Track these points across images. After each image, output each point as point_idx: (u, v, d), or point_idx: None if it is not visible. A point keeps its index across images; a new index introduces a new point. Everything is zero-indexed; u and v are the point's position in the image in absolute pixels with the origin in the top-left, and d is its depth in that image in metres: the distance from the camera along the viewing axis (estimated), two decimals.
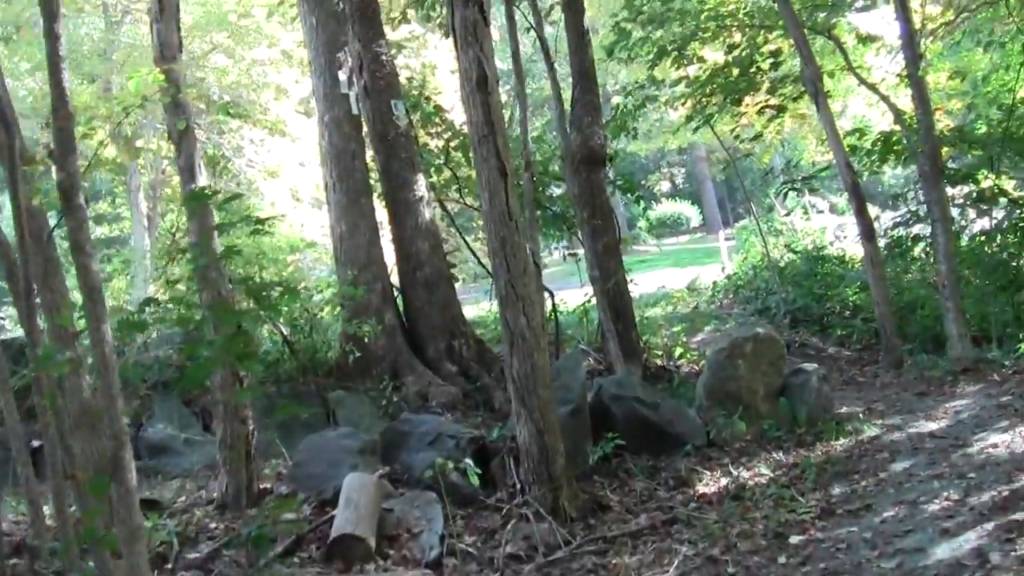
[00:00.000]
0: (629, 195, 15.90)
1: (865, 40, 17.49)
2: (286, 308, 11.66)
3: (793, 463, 8.94)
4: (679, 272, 29.70)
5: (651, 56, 17.21)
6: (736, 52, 17.01)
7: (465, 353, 12.96)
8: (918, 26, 14.89)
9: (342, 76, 12.82)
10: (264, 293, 7.18)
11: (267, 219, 7.01)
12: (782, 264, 20.37)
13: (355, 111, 12.87)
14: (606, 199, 13.81)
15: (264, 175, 29.19)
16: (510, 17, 12.93)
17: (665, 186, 71.86)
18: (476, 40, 7.93)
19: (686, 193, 69.47)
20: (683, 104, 18.41)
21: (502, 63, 29.45)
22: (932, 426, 9.77)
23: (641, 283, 27.00)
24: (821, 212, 39.91)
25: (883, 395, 12.00)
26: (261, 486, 8.57)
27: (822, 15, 16.15)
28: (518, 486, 8.16)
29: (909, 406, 11.02)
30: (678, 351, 14.85)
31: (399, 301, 13.32)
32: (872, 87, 16.24)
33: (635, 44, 17.10)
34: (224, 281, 7.98)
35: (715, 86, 17.33)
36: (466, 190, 15.05)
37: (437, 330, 12.95)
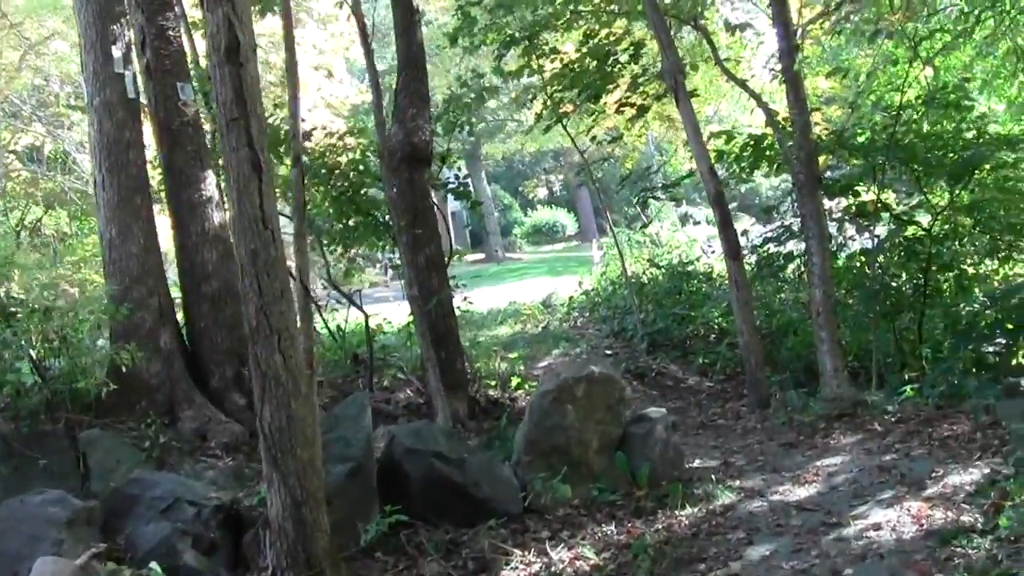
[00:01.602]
0: (464, 201, 13.88)
1: (733, 29, 15.65)
2: (34, 327, 9.69)
3: (625, 543, 7.08)
4: (551, 281, 28.12)
5: (497, 46, 15.23)
6: (592, 42, 15.05)
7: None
8: (795, 18, 13.13)
9: (116, 53, 10.56)
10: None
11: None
12: (645, 280, 18.56)
13: (131, 94, 10.62)
14: (430, 205, 11.85)
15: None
16: None
17: (542, 192, 71.02)
18: None
19: (563, 200, 68.85)
20: (532, 100, 16.40)
21: None
22: (800, 493, 7.94)
23: (498, 295, 25.46)
24: (698, 223, 38.55)
25: (745, 444, 10.16)
26: None
27: (687, 2, 14.27)
28: (269, 570, 6.44)
29: (774, 462, 9.18)
30: (515, 381, 12.86)
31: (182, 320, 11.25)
32: (741, 83, 14.38)
33: (480, 31, 15.08)
34: None
35: (568, 80, 15.37)
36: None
37: (224, 355, 10.80)
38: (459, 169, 57.19)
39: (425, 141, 11.63)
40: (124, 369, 9.74)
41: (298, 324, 6.92)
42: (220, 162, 11.69)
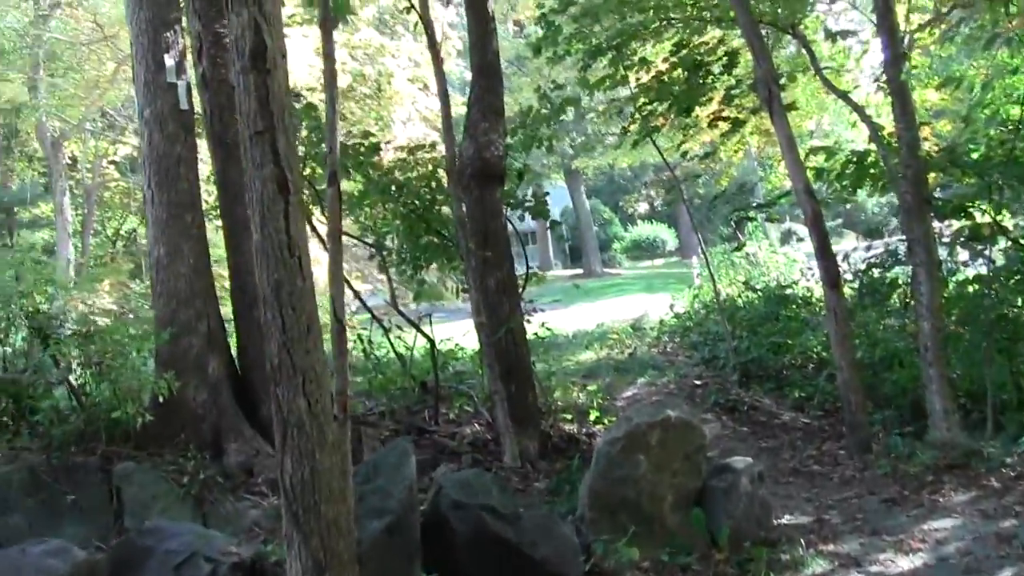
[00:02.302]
0: (541, 220, 12.99)
1: (835, 36, 14.55)
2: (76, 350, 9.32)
3: None
4: (647, 299, 27.20)
5: (583, 55, 14.34)
6: (683, 52, 14.07)
7: None
8: (902, 25, 12.05)
9: (168, 61, 9.94)
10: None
11: None
12: (740, 303, 17.50)
13: (183, 105, 10.01)
14: (502, 224, 11.03)
15: None
16: None
17: (643, 207, 70.26)
18: None
19: (664, 215, 68.05)
20: (619, 113, 15.44)
21: None
22: (903, 564, 6.99)
23: (591, 313, 24.54)
24: (801, 240, 37.09)
25: (842, 498, 9.10)
26: None
27: (783, 11, 13.22)
28: None
29: (875, 521, 8.15)
30: (594, 414, 11.94)
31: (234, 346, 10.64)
32: (843, 95, 13.28)
33: (564, 41, 14.21)
34: None
35: (657, 92, 14.39)
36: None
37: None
38: (552, 184, 56.60)
39: (498, 156, 10.82)
40: (167, 397, 9.12)
41: (331, 361, 6.14)
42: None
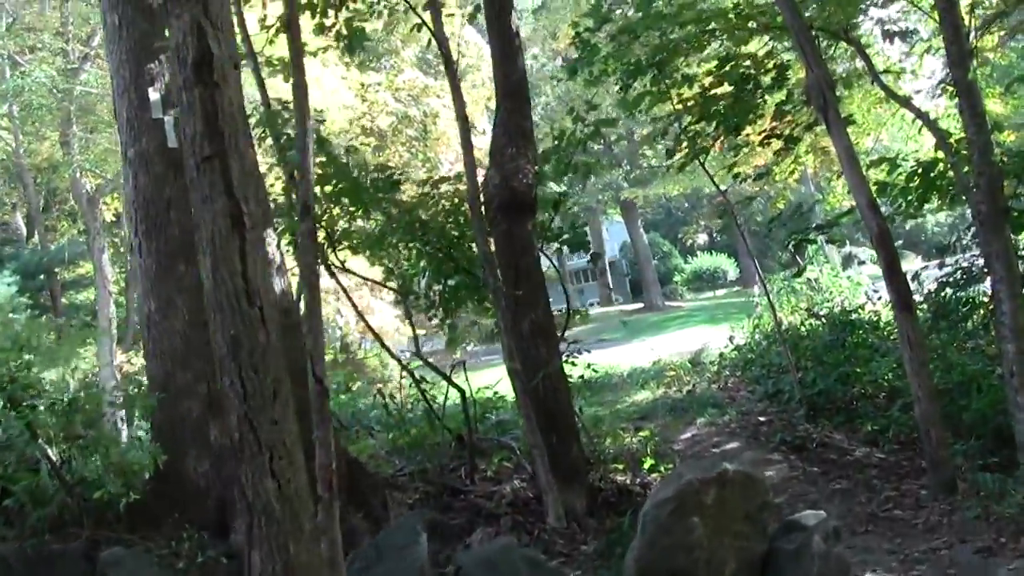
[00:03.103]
0: (582, 253, 12.04)
1: (893, 36, 13.47)
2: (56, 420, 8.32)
3: None
4: (708, 331, 26.22)
5: (622, 75, 13.40)
6: (729, 66, 13.06)
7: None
8: (966, 19, 11.02)
9: (154, 95, 9.11)
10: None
11: None
12: (803, 331, 16.41)
13: (172, 143, 9.10)
14: (534, 260, 10.07)
15: None
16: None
17: (702, 238, 69.54)
18: None
19: (723, 245, 67.37)
20: (663, 136, 14.39)
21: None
22: None
23: (651, 348, 23.50)
24: (863, 263, 35.78)
25: (929, 548, 8.05)
26: None
27: (834, 14, 12.23)
28: None
29: None
30: (648, 462, 10.92)
31: None
32: (904, 101, 12.26)
33: (600, 60, 13.30)
34: None
35: (702, 109, 13.37)
36: (346, 249, 11.26)
37: None
38: (609, 219, 55.94)
39: (527, 184, 9.91)
40: (160, 470, 8.26)
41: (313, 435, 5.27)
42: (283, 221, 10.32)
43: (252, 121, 10.87)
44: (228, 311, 4.54)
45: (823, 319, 16.33)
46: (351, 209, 10.84)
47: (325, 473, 5.22)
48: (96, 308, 26.89)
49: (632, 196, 52.28)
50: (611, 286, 67.69)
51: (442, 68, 35.83)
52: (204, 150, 4.60)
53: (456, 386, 10.72)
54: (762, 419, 13.60)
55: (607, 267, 67.80)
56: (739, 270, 60.88)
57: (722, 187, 15.33)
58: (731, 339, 18.46)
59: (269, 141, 10.56)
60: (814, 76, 10.01)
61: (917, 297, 12.63)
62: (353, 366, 22.81)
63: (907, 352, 9.63)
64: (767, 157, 15.51)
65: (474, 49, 38.76)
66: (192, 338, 8.98)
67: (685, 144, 13.80)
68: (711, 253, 64.89)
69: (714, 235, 69.39)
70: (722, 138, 13.91)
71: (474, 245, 11.07)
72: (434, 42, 10.14)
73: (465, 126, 9.86)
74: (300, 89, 5.90)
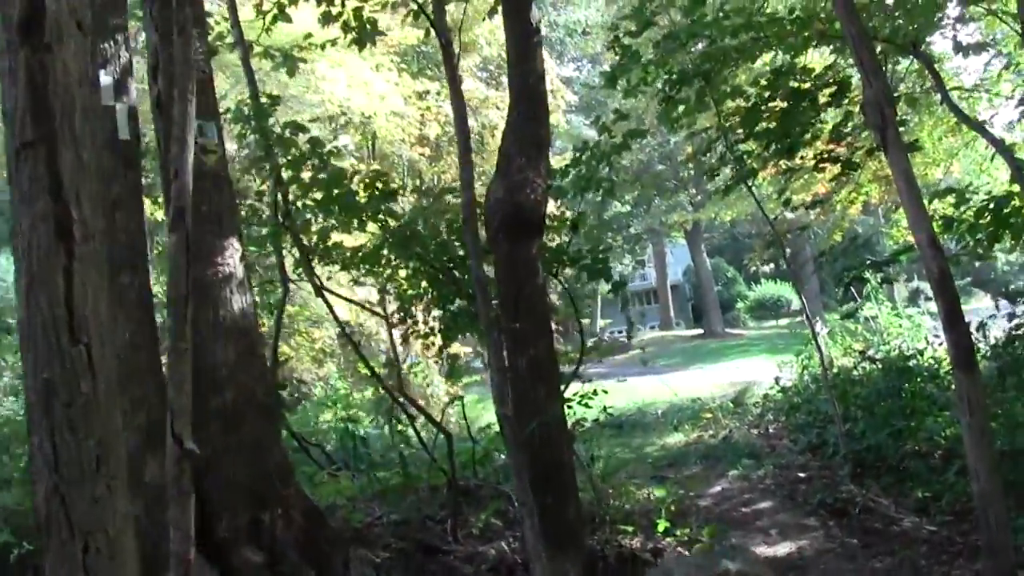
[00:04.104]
0: (604, 283, 10.68)
1: (967, 50, 11.99)
2: None
3: None
4: (765, 363, 24.50)
5: (664, 84, 12.09)
6: (782, 78, 11.69)
7: (282, 532, 7.91)
8: None
9: (105, 79, 7.94)
10: None
11: None
12: (856, 374, 14.89)
13: (123, 134, 7.95)
14: (540, 288, 8.74)
15: None
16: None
17: (768, 265, 68.24)
18: None
19: (788, 274, 66.11)
20: (705, 155, 13.00)
21: None
22: None
23: (703, 378, 22.15)
24: (929, 299, 33.96)
25: None
26: None
27: (905, 24, 10.87)
28: None
29: None
30: (662, 525, 9.56)
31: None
32: (978, 126, 10.82)
33: (644, 68, 12.02)
34: None
35: (747, 123, 11.99)
36: (327, 264, 9.99)
37: (238, 493, 7.90)
38: (673, 242, 55.02)
39: (535, 201, 8.61)
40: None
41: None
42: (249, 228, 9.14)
43: (230, 116, 9.80)
44: (43, 348, 3.39)
45: (878, 363, 14.78)
46: (342, 220, 9.60)
47: (180, 566, 3.98)
48: None
49: (682, 220, 51.16)
50: (672, 310, 66.78)
51: (503, 79, 35.05)
52: (25, 133, 3.44)
53: (442, 428, 9.40)
54: (802, 475, 12.24)
55: (668, 291, 66.78)
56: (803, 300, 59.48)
57: (773, 214, 13.91)
58: (777, 380, 17.01)
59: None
60: (872, 91, 8.59)
61: (982, 346, 11.24)
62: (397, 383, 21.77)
63: (965, 418, 8.14)
64: (826, 184, 14.08)
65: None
66: (133, 360, 7.82)
67: (731, 165, 12.45)
68: (775, 281, 63.32)
69: (779, 263, 68.07)
70: (772, 160, 12.53)
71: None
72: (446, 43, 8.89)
73: (464, 127, 8.56)
74: (183, 60, 4.69)
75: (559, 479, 8.43)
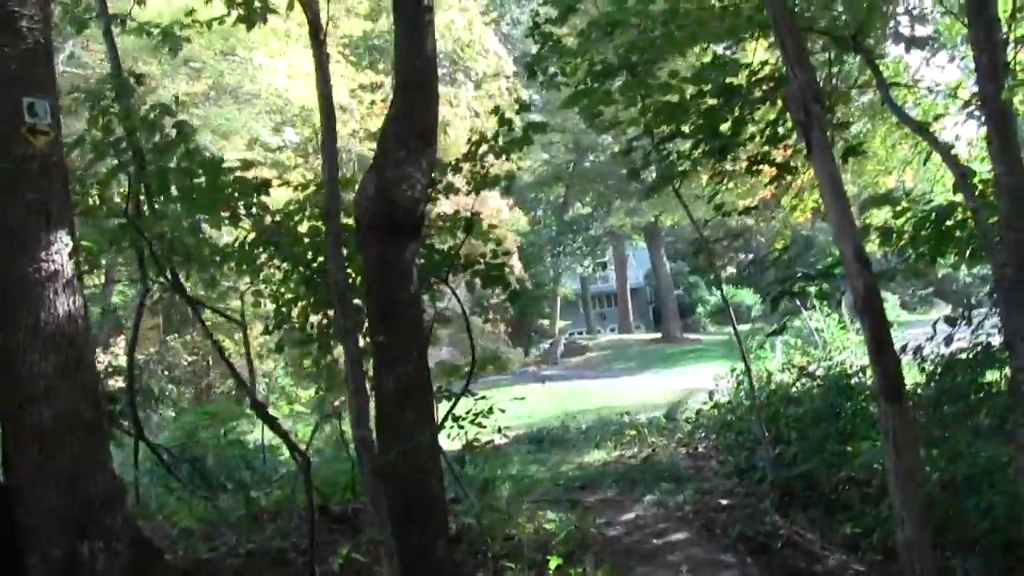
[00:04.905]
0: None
1: (910, 44, 10.99)
2: None
3: None
4: (722, 369, 23.59)
5: (585, 76, 11.09)
6: (712, 71, 10.68)
7: (104, 567, 6.87)
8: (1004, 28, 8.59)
9: None
10: None
11: None
12: (795, 392, 13.88)
13: None
14: (410, 297, 7.65)
15: None
16: None
17: (730, 270, 68.06)
18: None
19: (751, 279, 65.83)
20: (629, 154, 11.93)
21: None
22: None
23: (646, 385, 21.29)
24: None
25: None
26: None
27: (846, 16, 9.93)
28: None
29: None
30: (554, 562, 8.52)
31: None
32: (918, 126, 9.81)
33: (563, 58, 11.07)
34: None
35: (669, 118, 10.98)
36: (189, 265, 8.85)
37: (55, 523, 6.84)
38: (633, 246, 54.66)
39: (412, 199, 7.55)
40: None
41: None
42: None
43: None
44: None
45: (817, 380, 13.78)
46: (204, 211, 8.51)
47: None
48: None
49: (632, 223, 50.87)
50: (631, 313, 66.59)
51: (460, 76, 34.11)
52: None
53: (297, 452, 8.28)
54: (724, 502, 11.28)
55: (628, 294, 66.47)
56: (762, 306, 59.22)
57: (704, 219, 12.92)
58: (711, 394, 16.02)
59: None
60: (797, 83, 7.59)
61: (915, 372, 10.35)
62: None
63: (891, 458, 7.09)
64: (773, 190, 13.14)
65: (493, 60, 36.81)
66: None
67: (657, 165, 11.46)
68: (735, 287, 62.86)
69: (741, 268, 68.16)
70: (703, 163, 11.54)
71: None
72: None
73: (329, 111, 7.45)
74: None
75: (427, 514, 7.38)
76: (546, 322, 63.89)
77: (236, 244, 8.83)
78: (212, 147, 25.86)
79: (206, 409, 14.22)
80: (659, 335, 58.46)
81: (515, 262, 33.00)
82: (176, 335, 27.48)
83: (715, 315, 63.37)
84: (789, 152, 11.57)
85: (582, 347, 57.69)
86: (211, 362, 28.43)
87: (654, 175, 12.25)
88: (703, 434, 14.97)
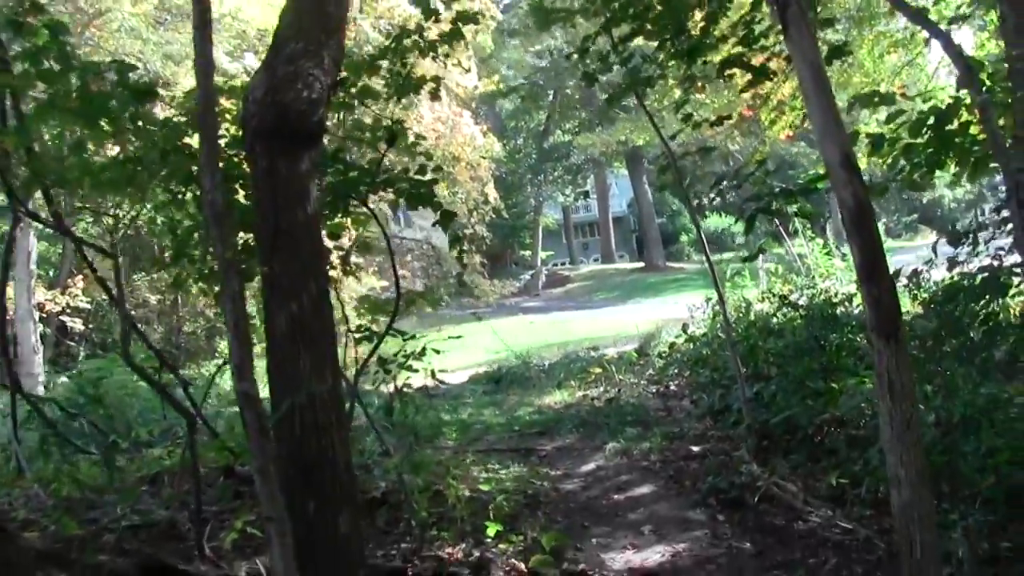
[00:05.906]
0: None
1: None
2: None
3: None
4: (697, 299, 22.55)
5: None
6: None
7: None
8: None
9: None
10: None
11: None
12: (776, 324, 12.67)
13: None
14: (306, 219, 6.29)
15: None
16: None
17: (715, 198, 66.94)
18: None
19: (736, 207, 64.78)
20: (584, 56, 10.59)
21: None
22: None
23: (625, 315, 20.20)
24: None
25: None
26: None
27: None
28: None
29: None
30: (492, 528, 7.31)
31: None
32: (918, 13, 8.45)
33: None
34: None
35: (633, 17, 9.64)
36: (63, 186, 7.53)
37: None
38: (615, 173, 53.50)
39: (309, 100, 6.17)
40: None
41: None
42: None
43: None
44: None
45: (800, 310, 12.53)
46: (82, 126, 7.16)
47: None
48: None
49: (588, 144, 49.60)
50: (614, 243, 65.68)
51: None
52: None
53: (178, 408, 7.01)
54: (695, 449, 10.11)
55: (611, 223, 65.48)
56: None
57: (670, 133, 11.61)
58: (685, 327, 14.79)
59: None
60: None
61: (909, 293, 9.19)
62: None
63: (885, 404, 5.83)
64: (733, 97, 11.83)
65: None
66: None
67: (619, 70, 10.14)
68: (720, 214, 61.65)
69: (727, 196, 66.57)
70: (670, 65, 10.22)
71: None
72: None
73: (201, 17, 6.11)
74: None
75: (329, 479, 6.08)
76: (527, 252, 62.92)
77: (112, 161, 7.48)
78: (163, 72, 24.51)
79: (114, 357, 12.82)
80: (642, 264, 57.60)
81: (491, 190, 31.87)
82: (143, 273, 26.34)
83: (698, 243, 62.38)
84: (767, 56, 10.25)
85: (564, 277, 56.98)
86: (180, 300, 27.36)
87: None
88: (675, 371, 13.79)
